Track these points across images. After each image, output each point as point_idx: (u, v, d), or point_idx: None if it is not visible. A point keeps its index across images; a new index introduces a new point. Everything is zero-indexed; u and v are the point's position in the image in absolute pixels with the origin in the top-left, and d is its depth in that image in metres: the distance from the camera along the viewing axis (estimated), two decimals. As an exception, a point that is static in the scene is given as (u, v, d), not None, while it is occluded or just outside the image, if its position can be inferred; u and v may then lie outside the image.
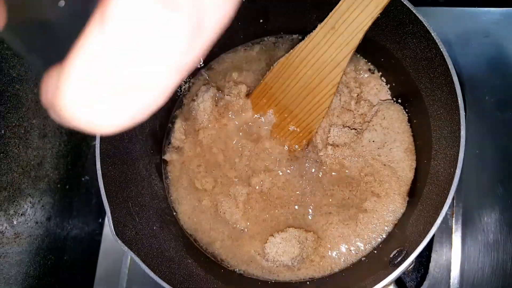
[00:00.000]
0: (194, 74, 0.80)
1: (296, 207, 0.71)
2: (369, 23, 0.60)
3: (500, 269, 0.72)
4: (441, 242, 0.73)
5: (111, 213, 0.57)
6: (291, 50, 0.69)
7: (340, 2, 0.61)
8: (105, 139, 0.62)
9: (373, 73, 0.75)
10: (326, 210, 0.70)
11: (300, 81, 0.69)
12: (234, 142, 0.75)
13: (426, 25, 0.57)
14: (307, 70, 0.68)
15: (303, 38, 0.79)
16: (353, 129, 0.72)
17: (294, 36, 0.80)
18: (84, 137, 0.82)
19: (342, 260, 0.67)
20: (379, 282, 0.53)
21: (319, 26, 0.65)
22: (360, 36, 0.61)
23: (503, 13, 0.82)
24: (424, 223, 0.56)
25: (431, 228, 0.53)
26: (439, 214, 0.53)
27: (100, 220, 0.88)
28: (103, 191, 0.58)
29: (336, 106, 0.72)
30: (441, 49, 0.56)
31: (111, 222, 0.57)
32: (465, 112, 0.55)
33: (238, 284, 0.68)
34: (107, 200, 0.58)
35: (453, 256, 0.72)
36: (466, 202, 0.74)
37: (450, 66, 0.55)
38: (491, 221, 0.74)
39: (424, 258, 0.73)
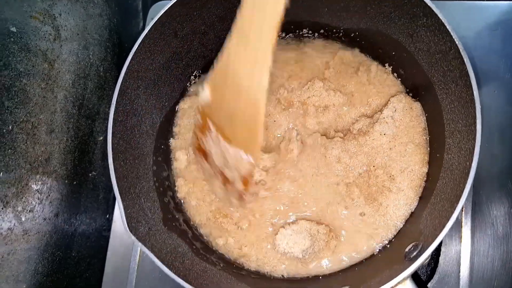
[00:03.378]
0: (205, 70, 0.80)
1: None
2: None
3: (510, 262, 0.72)
4: (451, 236, 0.73)
5: (124, 209, 0.57)
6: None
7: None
8: (116, 134, 0.62)
9: (384, 66, 0.75)
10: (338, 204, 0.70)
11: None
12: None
13: (441, 18, 0.57)
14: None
15: (296, 37, 0.79)
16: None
17: (288, 35, 0.81)
18: (91, 132, 0.82)
19: (355, 254, 0.67)
20: (395, 276, 0.53)
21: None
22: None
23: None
24: (439, 217, 0.56)
25: (447, 222, 0.53)
26: (455, 208, 0.53)
27: (107, 216, 0.88)
28: (116, 187, 0.58)
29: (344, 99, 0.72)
30: (456, 42, 0.56)
31: (124, 218, 0.56)
32: (479, 105, 0.55)
33: (251, 279, 0.67)
34: (120, 196, 0.58)
35: (462, 250, 0.72)
36: (475, 195, 0.74)
37: (466, 59, 0.55)
38: (500, 214, 0.74)
39: (434, 252, 0.73)
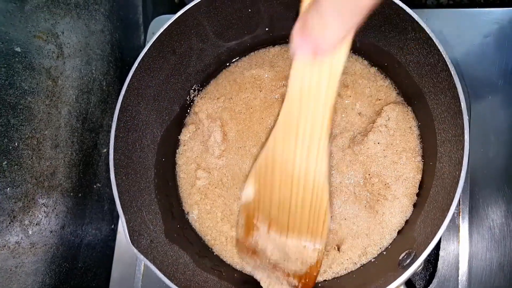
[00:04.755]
0: (204, 84, 0.82)
1: None
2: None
3: (508, 265, 0.73)
4: (449, 240, 0.74)
5: (126, 222, 0.59)
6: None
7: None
8: (118, 150, 0.64)
9: (377, 76, 0.76)
10: (333, 212, 0.72)
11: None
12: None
13: (428, 32, 0.58)
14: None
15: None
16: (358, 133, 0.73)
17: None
18: (95, 145, 0.84)
19: (351, 261, 0.69)
20: (389, 284, 0.54)
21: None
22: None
23: (504, 13, 0.82)
24: (432, 225, 0.57)
25: (438, 230, 0.54)
26: (445, 216, 0.54)
27: (112, 226, 0.90)
28: (118, 201, 0.60)
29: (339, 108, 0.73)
30: (444, 56, 0.57)
31: (127, 232, 0.58)
32: (470, 113, 0.56)
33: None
34: (122, 210, 0.60)
35: (460, 254, 0.73)
36: (472, 199, 0.75)
37: (453, 71, 0.56)
38: (497, 217, 0.75)
39: (432, 257, 0.74)
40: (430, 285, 0.73)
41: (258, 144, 0.76)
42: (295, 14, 0.73)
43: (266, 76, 0.80)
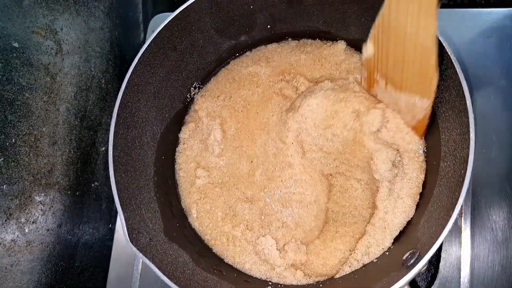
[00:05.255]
0: (205, 81, 0.81)
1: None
2: None
3: (510, 267, 0.73)
4: (451, 241, 0.73)
5: (125, 220, 0.58)
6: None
7: None
8: (117, 147, 0.63)
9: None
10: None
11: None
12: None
13: (434, 29, 0.57)
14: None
15: (310, 38, 0.80)
16: None
17: (301, 40, 0.81)
18: (93, 143, 0.83)
19: (353, 261, 0.68)
20: (393, 284, 0.54)
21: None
22: None
23: (506, 13, 0.82)
24: (436, 225, 0.57)
25: (442, 230, 0.53)
26: (450, 216, 0.54)
27: (110, 225, 0.89)
28: (117, 199, 0.59)
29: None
30: (449, 53, 0.57)
31: (126, 229, 0.57)
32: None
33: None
34: (121, 207, 0.59)
35: (462, 255, 0.73)
36: (474, 200, 0.75)
37: (458, 69, 0.56)
38: (499, 219, 0.74)
39: (435, 258, 0.73)
40: (432, 287, 0.72)
41: (254, 144, 0.76)
42: (298, 11, 0.74)
43: (263, 72, 0.79)
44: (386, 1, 0.57)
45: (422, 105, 0.61)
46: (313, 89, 0.72)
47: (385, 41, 0.61)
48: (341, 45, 0.77)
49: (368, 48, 0.64)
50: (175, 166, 0.78)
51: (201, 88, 0.81)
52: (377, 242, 0.67)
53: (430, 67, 0.56)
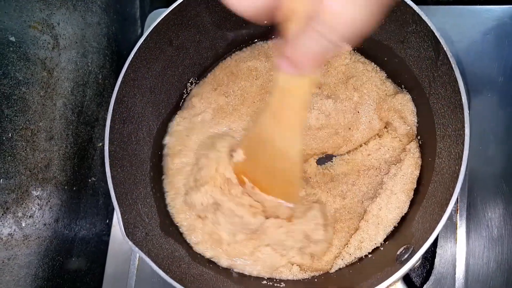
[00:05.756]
0: (201, 77, 0.81)
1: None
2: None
3: (505, 263, 0.73)
4: (446, 238, 0.73)
5: (121, 214, 0.58)
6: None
7: None
8: (113, 142, 0.63)
9: (376, 71, 0.75)
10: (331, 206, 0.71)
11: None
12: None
13: (429, 25, 0.57)
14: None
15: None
16: None
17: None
18: (90, 138, 0.83)
19: (345, 254, 0.68)
20: (386, 279, 0.54)
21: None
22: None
23: (504, 11, 0.82)
24: (430, 220, 0.57)
25: (436, 225, 0.54)
26: (444, 212, 0.54)
27: (107, 221, 0.89)
28: (113, 193, 0.59)
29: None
30: (445, 49, 0.57)
31: (122, 224, 0.57)
32: (469, 110, 0.56)
33: (247, 283, 0.68)
34: (117, 202, 0.59)
35: (458, 252, 0.73)
36: (470, 197, 0.75)
37: (454, 65, 0.56)
38: (495, 216, 0.74)
39: (430, 254, 0.74)
40: (427, 282, 0.72)
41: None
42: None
43: (263, 66, 0.79)
44: (258, 122, 0.59)
45: (287, 207, 0.66)
46: None
47: (254, 152, 0.63)
48: None
49: (239, 155, 0.66)
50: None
51: (198, 83, 0.81)
52: (370, 237, 0.67)
53: (296, 179, 0.61)
